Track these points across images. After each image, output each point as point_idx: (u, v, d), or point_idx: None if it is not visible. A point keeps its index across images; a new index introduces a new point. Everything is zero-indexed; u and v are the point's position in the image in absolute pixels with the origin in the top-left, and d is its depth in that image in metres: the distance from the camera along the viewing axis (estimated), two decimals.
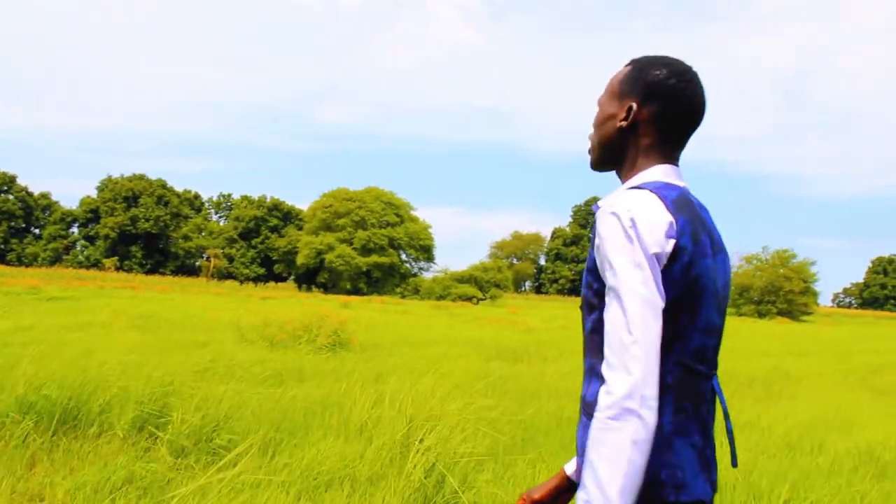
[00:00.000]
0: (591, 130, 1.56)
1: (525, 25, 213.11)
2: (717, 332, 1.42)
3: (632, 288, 1.26)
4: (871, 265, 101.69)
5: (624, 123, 1.46)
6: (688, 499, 1.32)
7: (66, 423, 4.63)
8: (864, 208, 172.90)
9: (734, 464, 1.49)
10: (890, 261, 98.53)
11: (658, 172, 1.43)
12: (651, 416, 1.23)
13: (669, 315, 1.31)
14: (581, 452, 1.43)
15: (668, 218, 1.31)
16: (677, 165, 1.47)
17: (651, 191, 1.36)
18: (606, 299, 1.31)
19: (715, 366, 1.44)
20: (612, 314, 1.28)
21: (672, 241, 1.30)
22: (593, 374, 1.40)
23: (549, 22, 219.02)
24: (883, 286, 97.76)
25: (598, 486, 1.21)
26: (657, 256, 1.29)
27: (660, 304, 1.27)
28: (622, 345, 1.25)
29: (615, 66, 1.54)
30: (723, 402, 1.45)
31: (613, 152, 1.51)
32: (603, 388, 1.26)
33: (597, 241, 1.35)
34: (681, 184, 1.44)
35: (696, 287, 1.34)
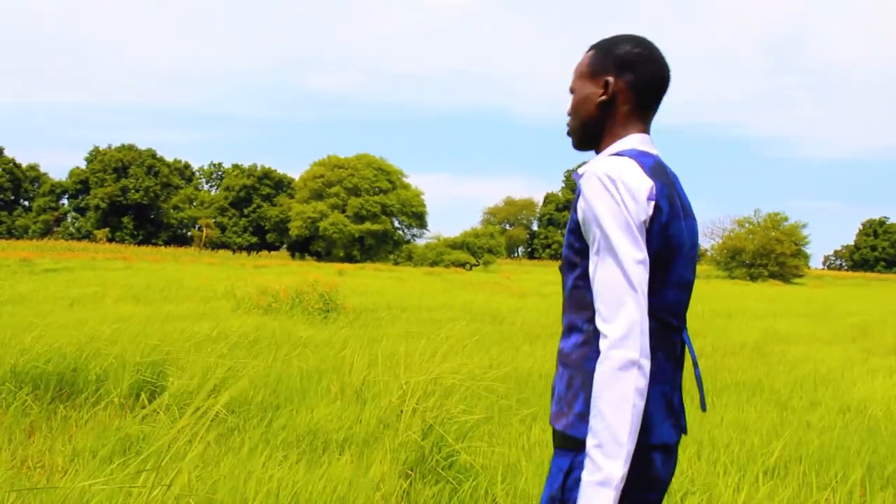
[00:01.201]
0: (568, 118, 1.66)
1: None
2: (688, 288, 1.54)
3: (625, 247, 1.36)
4: (861, 227, 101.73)
5: (605, 97, 1.56)
6: (655, 441, 1.44)
7: (64, 391, 4.64)
8: (855, 170, 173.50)
9: (703, 408, 1.65)
10: (881, 223, 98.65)
11: (634, 141, 1.54)
12: (648, 365, 1.34)
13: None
14: (557, 399, 1.51)
15: (649, 182, 1.41)
16: (649, 134, 1.58)
17: (630, 157, 1.45)
18: (595, 258, 1.40)
19: (685, 320, 1.56)
20: (606, 272, 1.37)
21: (652, 203, 1.40)
22: (573, 329, 1.49)
23: None
24: (873, 248, 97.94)
25: (609, 430, 1.31)
26: (640, 218, 1.39)
27: (647, 262, 1.38)
28: (621, 300, 1.34)
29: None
30: (692, 352, 1.56)
31: (595, 127, 1.60)
32: (604, 342, 1.34)
33: (581, 203, 1.43)
34: (654, 152, 1.54)
35: (671, 245, 1.45)
